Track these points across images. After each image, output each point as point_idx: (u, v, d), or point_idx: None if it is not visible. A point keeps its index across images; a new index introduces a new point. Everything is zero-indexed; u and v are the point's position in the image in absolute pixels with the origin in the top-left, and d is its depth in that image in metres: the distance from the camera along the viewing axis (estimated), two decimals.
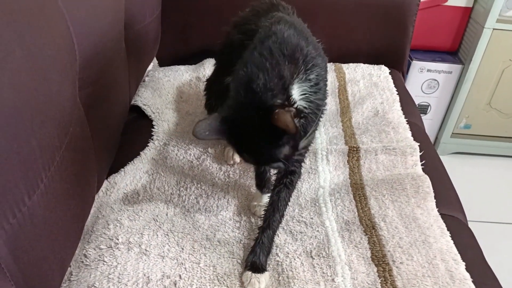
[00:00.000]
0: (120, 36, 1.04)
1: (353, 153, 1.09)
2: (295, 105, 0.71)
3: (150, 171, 1.03)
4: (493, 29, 1.72)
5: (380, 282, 0.78)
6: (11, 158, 0.55)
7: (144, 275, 0.77)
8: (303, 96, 0.73)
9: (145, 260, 0.80)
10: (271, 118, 0.65)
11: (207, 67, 1.41)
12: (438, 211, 0.92)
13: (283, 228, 0.89)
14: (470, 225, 0.98)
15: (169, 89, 1.33)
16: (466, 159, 2.05)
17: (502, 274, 0.87)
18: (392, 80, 1.39)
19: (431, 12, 1.80)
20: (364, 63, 1.48)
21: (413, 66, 1.87)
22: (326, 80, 0.84)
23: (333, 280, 0.78)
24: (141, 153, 1.09)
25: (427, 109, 1.98)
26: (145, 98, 1.28)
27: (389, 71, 1.44)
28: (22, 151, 0.57)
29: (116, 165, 1.06)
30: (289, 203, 0.89)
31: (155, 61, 1.55)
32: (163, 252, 0.82)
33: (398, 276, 0.78)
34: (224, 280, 0.79)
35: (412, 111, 1.31)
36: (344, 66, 1.45)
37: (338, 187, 1.00)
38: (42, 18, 0.66)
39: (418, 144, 1.10)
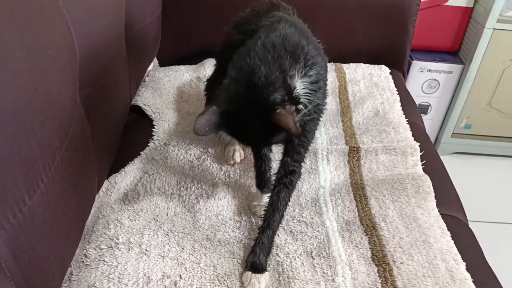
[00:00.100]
0: (120, 36, 1.04)
1: (353, 153, 1.09)
2: (299, 99, 0.72)
3: (150, 171, 1.03)
4: (494, 29, 1.71)
5: (380, 282, 0.78)
6: (11, 158, 0.55)
7: (145, 275, 0.77)
8: (304, 90, 0.73)
9: (146, 260, 0.80)
10: (272, 116, 0.65)
11: (208, 67, 1.41)
12: (439, 211, 0.92)
13: (284, 228, 0.89)
14: (471, 225, 0.98)
15: (169, 89, 1.33)
16: (466, 159, 2.05)
17: (502, 274, 0.87)
18: (392, 80, 1.39)
19: (432, 12, 1.80)
20: (364, 63, 1.48)
21: (414, 66, 1.87)
22: (326, 80, 0.84)
23: (333, 280, 0.78)
24: (141, 153, 1.09)
25: (428, 109, 1.98)
26: (145, 98, 1.28)
27: (390, 71, 1.44)
28: (22, 151, 0.57)
29: (117, 165, 1.06)
30: (290, 203, 0.89)
31: (155, 61, 1.55)
32: (164, 252, 0.82)
33: (399, 276, 0.78)
34: (225, 280, 0.79)
35: (413, 111, 1.31)
36: (345, 66, 1.45)
37: (338, 187, 1.00)
38: (42, 18, 0.66)
39: (419, 144, 1.10)
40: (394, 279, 0.78)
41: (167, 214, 0.92)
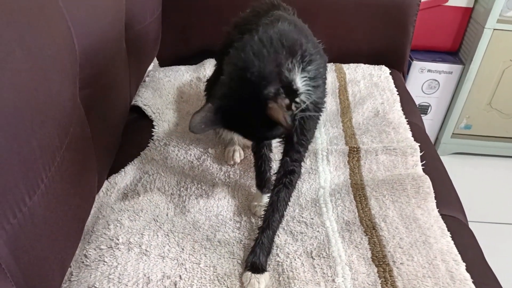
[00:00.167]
0: (120, 36, 1.04)
1: (353, 154, 1.09)
2: (298, 93, 0.71)
3: (150, 171, 1.03)
4: (494, 29, 1.71)
5: (380, 283, 0.78)
6: (11, 158, 0.55)
7: (145, 275, 0.77)
8: (303, 84, 0.73)
9: (146, 261, 0.80)
10: (265, 110, 0.65)
11: (208, 67, 1.41)
12: (439, 211, 0.92)
13: (284, 229, 0.89)
14: (471, 225, 0.98)
15: (169, 89, 1.33)
16: (466, 160, 2.05)
17: (503, 274, 0.87)
18: (392, 80, 1.39)
19: (432, 12, 1.80)
20: (364, 63, 1.48)
21: (414, 66, 1.87)
22: (325, 78, 0.84)
23: (333, 280, 0.78)
24: (141, 153, 1.09)
25: (428, 109, 1.98)
26: (145, 98, 1.28)
27: (390, 71, 1.44)
28: (23, 151, 0.57)
29: (117, 165, 1.06)
30: (290, 203, 0.89)
31: (155, 61, 1.55)
32: (164, 252, 0.82)
33: (399, 276, 0.78)
34: (225, 280, 0.79)
35: (413, 112, 1.31)
36: (345, 66, 1.45)
37: (338, 187, 1.00)
38: (42, 18, 0.66)
39: (419, 144, 1.10)
40: (394, 279, 0.78)
41: (167, 215, 0.92)
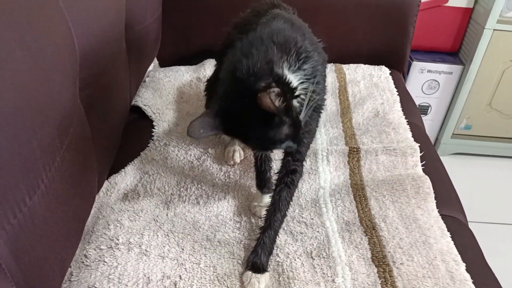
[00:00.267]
0: (120, 37, 1.04)
1: (353, 154, 1.09)
2: (293, 86, 0.70)
3: (150, 172, 1.03)
4: (494, 29, 1.72)
5: (380, 283, 0.78)
6: (12, 158, 0.55)
7: (145, 275, 0.77)
8: (300, 83, 0.72)
9: (146, 261, 0.80)
10: (258, 102, 0.64)
11: (208, 67, 1.41)
12: (439, 211, 0.92)
13: (284, 229, 0.89)
14: (471, 225, 0.98)
15: (169, 90, 1.33)
16: (466, 160, 2.05)
17: (503, 275, 0.87)
18: (392, 81, 1.39)
19: (432, 12, 1.80)
20: (364, 63, 1.48)
21: (414, 66, 1.87)
22: (325, 76, 0.84)
23: (333, 280, 0.78)
24: (141, 153, 1.09)
25: (428, 109, 1.98)
26: (145, 99, 1.28)
27: (390, 71, 1.44)
28: (23, 152, 0.57)
29: (117, 166, 1.06)
30: (291, 203, 0.89)
31: (155, 61, 1.55)
32: (164, 252, 0.82)
33: (399, 277, 0.78)
34: (224, 280, 0.79)
35: (413, 112, 1.31)
36: (345, 66, 1.45)
37: (338, 187, 1.00)
38: (42, 18, 0.66)
39: (419, 144, 1.10)
40: (394, 279, 0.78)
41: (167, 215, 0.92)
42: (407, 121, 1.20)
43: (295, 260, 0.83)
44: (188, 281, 0.78)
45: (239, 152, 1.07)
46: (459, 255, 0.82)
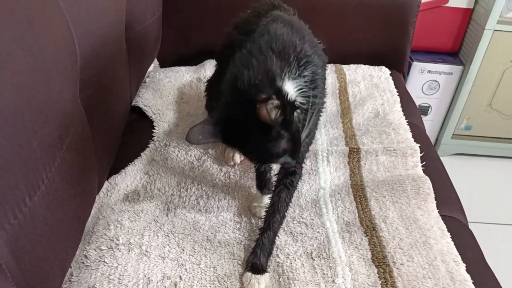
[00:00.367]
0: (121, 37, 1.04)
1: (353, 154, 1.09)
2: (292, 100, 0.70)
3: (150, 172, 1.03)
4: (494, 30, 1.72)
5: (380, 284, 0.78)
6: (12, 158, 0.55)
7: (145, 276, 0.77)
8: (300, 91, 0.72)
9: (146, 261, 0.80)
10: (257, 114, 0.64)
11: (208, 68, 1.41)
12: (439, 212, 0.92)
13: (284, 229, 0.89)
14: (471, 226, 0.98)
15: (170, 90, 1.33)
16: (466, 160, 2.05)
17: (503, 275, 0.87)
18: (392, 81, 1.39)
19: (432, 13, 1.80)
20: (364, 64, 1.48)
21: (414, 67, 1.87)
22: (325, 79, 0.84)
23: (333, 281, 0.78)
24: (141, 154, 1.09)
25: (428, 110, 1.98)
26: (146, 99, 1.28)
27: (390, 72, 1.44)
28: (23, 152, 0.57)
29: (117, 166, 1.06)
30: (290, 204, 0.89)
31: (156, 62, 1.55)
32: (164, 253, 0.82)
33: (399, 277, 0.78)
34: (225, 281, 0.79)
35: (413, 112, 1.31)
36: (345, 67, 1.45)
37: (338, 188, 1.00)
38: (42, 19, 0.66)
39: (419, 145, 1.10)
40: (394, 280, 0.78)
41: (167, 215, 0.92)
42: (407, 122, 1.20)
43: (295, 260, 0.83)
44: (188, 281, 0.78)
45: (239, 153, 1.07)
46: (459, 256, 0.82)
